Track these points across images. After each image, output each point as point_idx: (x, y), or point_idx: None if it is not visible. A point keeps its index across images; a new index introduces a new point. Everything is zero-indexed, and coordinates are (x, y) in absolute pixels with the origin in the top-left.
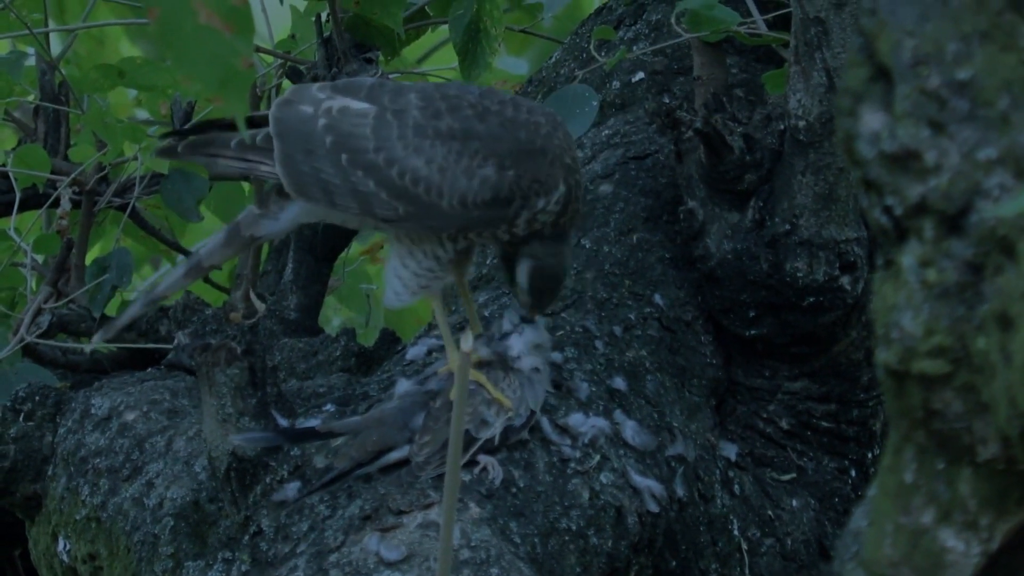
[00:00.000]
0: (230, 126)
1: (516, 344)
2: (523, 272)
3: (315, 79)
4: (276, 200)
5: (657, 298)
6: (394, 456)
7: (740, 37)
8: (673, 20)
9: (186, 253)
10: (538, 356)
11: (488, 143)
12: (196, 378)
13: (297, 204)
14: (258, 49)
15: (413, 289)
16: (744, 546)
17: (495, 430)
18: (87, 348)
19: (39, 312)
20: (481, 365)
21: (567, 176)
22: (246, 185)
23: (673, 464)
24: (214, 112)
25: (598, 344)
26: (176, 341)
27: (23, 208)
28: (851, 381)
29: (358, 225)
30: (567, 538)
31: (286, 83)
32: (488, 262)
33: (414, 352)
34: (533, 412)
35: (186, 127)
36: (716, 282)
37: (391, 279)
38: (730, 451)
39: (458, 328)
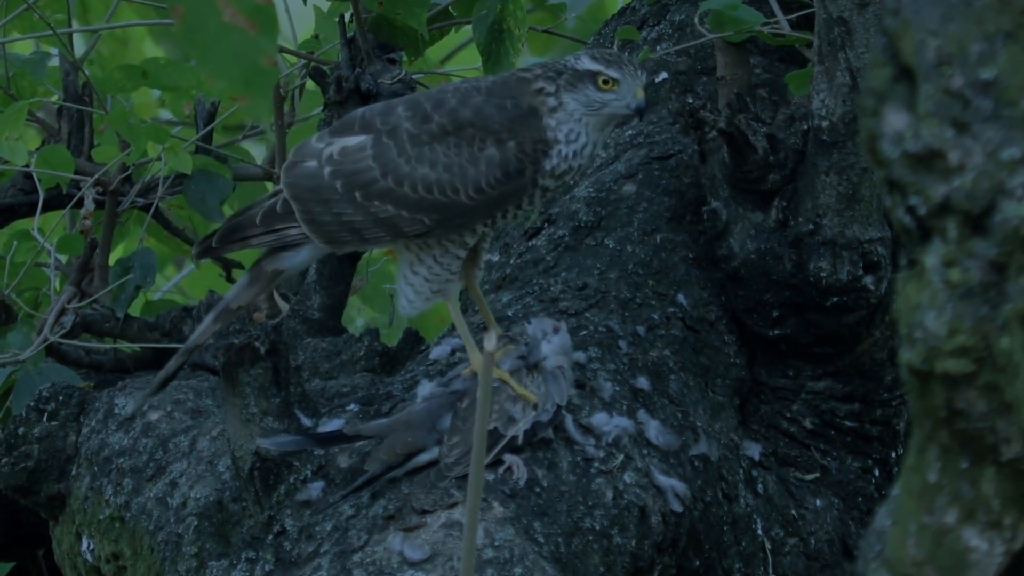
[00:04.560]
0: (245, 211)
1: (544, 349)
2: None
3: (338, 79)
4: None
5: (680, 298)
6: (424, 458)
7: (763, 37)
8: (696, 20)
9: None
10: (563, 358)
11: (480, 124)
12: (220, 378)
13: None
14: (281, 50)
15: (426, 295)
16: (768, 545)
17: (523, 426)
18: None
19: (63, 312)
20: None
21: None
22: (269, 185)
23: (697, 463)
24: (238, 113)
25: (622, 344)
26: None
27: (47, 208)
28: (875, 381)
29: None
30: (591, 537)
31: (309, 83)
32: (511, 262)
33: (438, 352)
34: (559, 407)
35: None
36: (739, 282)
37: (403, 287)
38: (754, 451)
39: (480, 329)
